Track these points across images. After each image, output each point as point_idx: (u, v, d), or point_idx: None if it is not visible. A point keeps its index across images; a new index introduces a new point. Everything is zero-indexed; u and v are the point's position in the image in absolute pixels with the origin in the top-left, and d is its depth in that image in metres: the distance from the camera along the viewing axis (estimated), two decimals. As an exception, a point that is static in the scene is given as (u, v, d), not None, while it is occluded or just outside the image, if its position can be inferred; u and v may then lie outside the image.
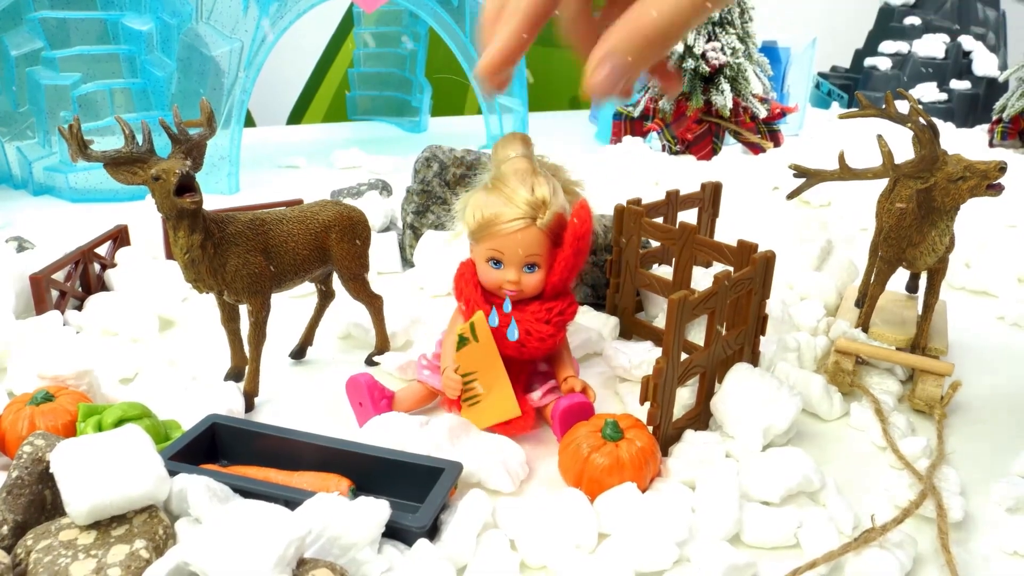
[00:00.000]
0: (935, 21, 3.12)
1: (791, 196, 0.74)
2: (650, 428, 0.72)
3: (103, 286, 1.11)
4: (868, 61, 3.13)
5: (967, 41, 3.03)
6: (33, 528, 0.56)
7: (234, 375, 0.86)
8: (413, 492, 0.66)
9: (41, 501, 0.59)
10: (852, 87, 3.20)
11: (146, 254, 1.17)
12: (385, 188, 1.55)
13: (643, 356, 0.88)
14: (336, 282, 0.91)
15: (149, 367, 0.90)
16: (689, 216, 1.01)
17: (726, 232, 1.07)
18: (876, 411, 0.80)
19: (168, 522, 0.57)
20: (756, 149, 2.15)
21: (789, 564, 0.61)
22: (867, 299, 0.92)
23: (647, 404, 0.72)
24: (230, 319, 0.84)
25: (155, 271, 1.11)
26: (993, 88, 2.91)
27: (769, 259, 0.81)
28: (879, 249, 0.87)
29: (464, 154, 1.20)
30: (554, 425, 0.76)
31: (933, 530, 0.64)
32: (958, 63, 3.01)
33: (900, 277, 0.99)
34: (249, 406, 0.82)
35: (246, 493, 0.63)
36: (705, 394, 0.79)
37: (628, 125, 2.24)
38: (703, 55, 2.05)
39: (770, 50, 2.46)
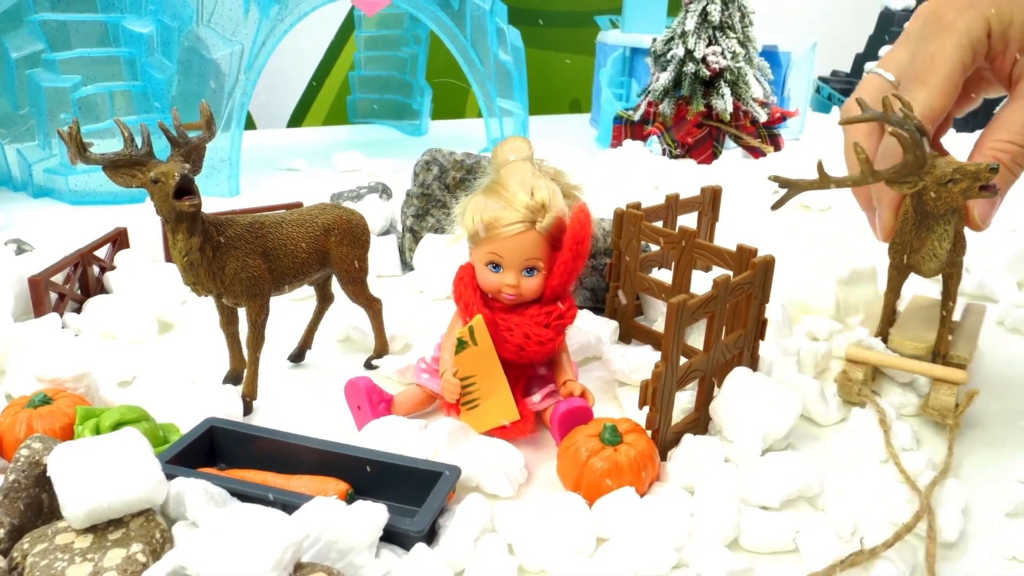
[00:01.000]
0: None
1: (775, 207, 0.73)
2: (649, 432, 0.72)
3: (102, 289, 1.11)
4: (868, 65, 3.12)
5: (967, 46, 3.04)
6: (30, 532, 0.56)
7: (233, 378, 0.86)
8: (412, 496, 0.66)
9: (38, 505, 0.59)
10: (853, 91, 3.20)
11: (145, 257, 1.17)
12: (385, 191, 1.54)
13: (642, 360, 0.87)
14: (335, 285, 0.91)
15: (148, 370, 0.90)
16: (689, 220, 1.01)
17: (726, 236, 1.07)
18: (880, 421, 0.79)
19: (165, 526, 0.57)
20: (756, 153, 2.14)
21: (787, 569, 0.61)
22: (883, 307, 0.89)
23: (646, 408, 0.72)
24: (229, 322, 0.84)
25: (154, 274, 1.10)
26: (993, 93, 2.91)
27: (768, 263, 0.81)
28: (888, 255, 0.85)
29: (464, 157, 1.20)
30: (553, 429, 0.76)
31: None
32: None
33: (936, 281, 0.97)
34: (247, 409, 0.82)
35: (244, 497, 0.63)
36: (704, 398, 0.78)
37: (628, 129, 2.24)
38: (703, 59, 2.05)
39: (771, 54, 2.46)
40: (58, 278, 1.01)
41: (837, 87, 3.26)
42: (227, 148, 1.73)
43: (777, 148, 2.16)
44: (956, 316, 0.90)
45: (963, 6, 0.73)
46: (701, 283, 0.98)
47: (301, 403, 0.86)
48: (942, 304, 0.84)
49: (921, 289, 0.95)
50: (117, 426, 0.69)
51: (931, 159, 0.70)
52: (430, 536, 0.62)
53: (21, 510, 0.57)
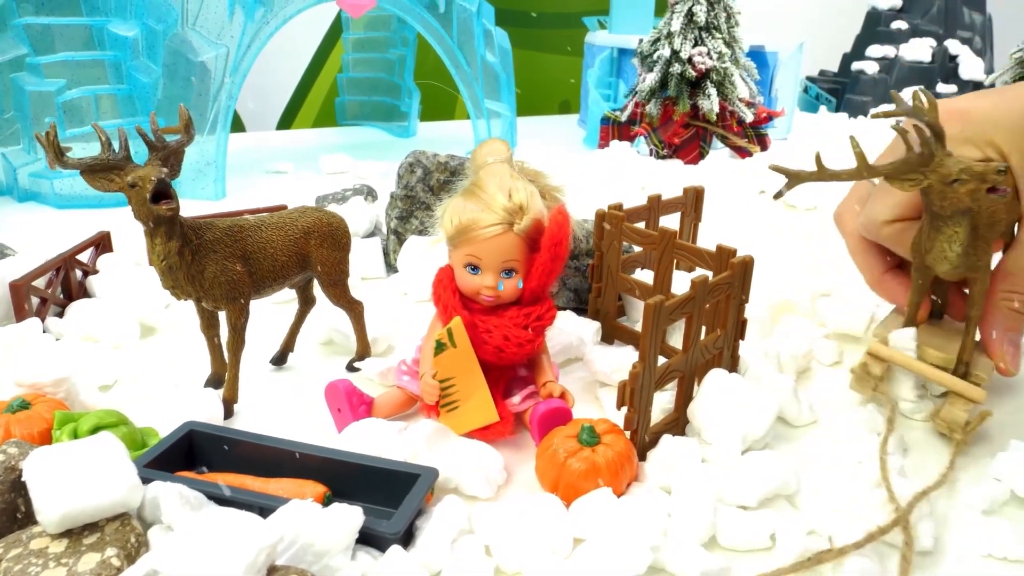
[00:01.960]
0: (922, 25, 3.13)
1: (777, 196, 0.72)
2: (628, 433, 0.72)
3: (85, 293, 1.10)
4: (855, 65, 3.14)
5: (953, 45, 3.05)
6: (4, 537, 0.56)
7: (214, 382, 0.86)
8: (391, 499, 0.66)
9: (13, 510, 0.59)
10: (840, 91, 3.22)
11: (129, 260, 1.17)
12: (370, 193, 1.54)
13: (623, 361, 0.88)
14: (317, 288, 0.91)
15: (129, 374, 0.90)
16: (673, 221, 1.02)
17: (711, 237, 1.07)
18: (888, 420, 0.77)
19: (141, 530, 0.57)
20: (744, 153, 2.15)
21: (764, 568, 0.61)
22: (908, 307, 0.85)
23: (624, 408, 0.73)
24: (209, 326, 0.84)
25: (138, 277, 1.10)
26: (980, 92, 2.92)
27: (747, 264, 0.81)
28: (910, 255, 0.81)
29: (448, 159, 1.20)
30: (532, 430, 0.76)
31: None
32: (944, 67, 3.03)
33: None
34: (228, 413, 0.82)
35: (221, 500, 0.63)
36: (684, 399, 0.79)
37: (616, 130, 2.24)
38: (690, 59, 2.06)
39: (758, 54, 2.47)
40: (40, 282, 1.00)
41: (824, 87, 3.28)
42: (213, 151, 1.73)
43: (764, 148, 2.17)
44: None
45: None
46: (683, 284, 0.98)
47: (283, 406, 0.86)
48: (968, 310, 0.80)
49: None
50: (95, 430, 0.69)
51: (940, 157, 0.67)
52: (407, 538, 0.62)
53: (-4, 515, 0.58)
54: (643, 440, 0.74)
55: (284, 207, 1.21)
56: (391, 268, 1.26)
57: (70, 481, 0.55)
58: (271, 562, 0.53)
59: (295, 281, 0.87)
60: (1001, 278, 0.79)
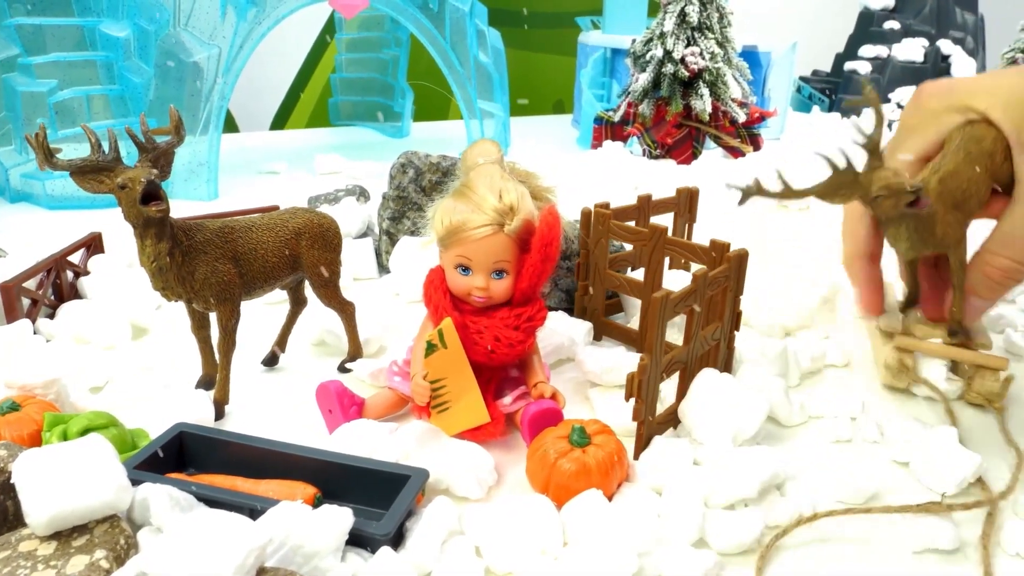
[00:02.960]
0: (914, 25, 3.14)
1: (740, 203, 0.74)
2: (635, 425, 0.74)
3: (76, 294, 1.10)
4: (848, 65, 3.15)
5: (946, 45, 3.06)
6: (-7, 539, 0.56)
7: (205, 383, 0.86)
8: (381, 500, 0.66)
9: (3, 512, 0.59)
10: (833, 91, 3.22)
11: (120, 262, 1.17)
12: (363, 194, 1.54)
13: (615, 361, 0.88)
14: (308, 289, 0.91)
15: (120, 376, 0.90)
16: (666, 221, 1.02)
17: (704, 236, 1.07)
18: (948, 411, 0.84)
19: (130, 532, 0.57)
20: (736, 153, 2.16)
21: (754, 567, 0.62)
22: (906, 286, 0.92)
23: (621, 407, 0.73)
24: (200, 327, 0.84)
25: (129, 279, 1.10)
26: (972, 92, 2.93)
27: (742, 256, 0.82)
28: None
29: (440, 160, 1.20)
30: (523, 431, 0.77)
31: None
32: (937, 67, 3.04)
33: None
34: (219, 414, 0.82)
35: (211, 502, 0.63)
36: (684, 389, 0.80)
37: (609, 130, 2.24)
38: (682, 60, 2.06)
39: (750, 54, 2.47)
40: (31, 284, 1.00)
41: (817, 86, 3.28)
42: (205, 151, 1.72)
43: (757, 148, 2.18)
44: None
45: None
46: (672, 282, 0.99)
47: (274, 407, 0.86)
48: (952, 280, 0.83)
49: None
50: (85, 432, 0.68)
51: (865, 176, 0.71)
52: (397, 539, 0.62)
53: (-15, 518, 0.57)
54: (651, 430, 0.75)
55: (276, 208, 1.21)
56: (383, 269, 1.26)
57: (59, 483, 0.55)
58: (260, 563, 0.53)
59: (286, 282, 0.87)
60: (991, 238, 0.79)
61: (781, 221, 1.63)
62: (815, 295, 1.08)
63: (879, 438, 0.80)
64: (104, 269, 1.13)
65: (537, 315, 0.78)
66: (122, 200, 0.71)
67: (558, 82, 3.33)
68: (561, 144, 2.53)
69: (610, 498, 0.68)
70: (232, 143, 2.41)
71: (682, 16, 2.06)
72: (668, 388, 0.81)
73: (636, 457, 0.74)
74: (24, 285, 0.98)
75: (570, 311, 1.05)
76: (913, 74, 3.03)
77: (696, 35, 2.08)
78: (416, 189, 1.20)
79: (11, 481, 0.57)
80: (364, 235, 1.37)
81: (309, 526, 0.57)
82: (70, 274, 1.10)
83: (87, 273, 1.13)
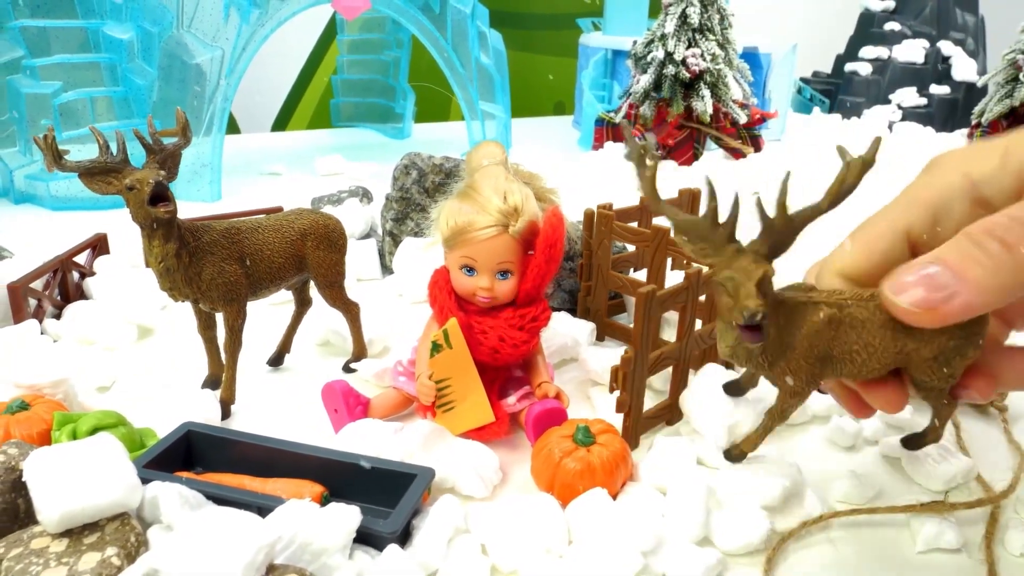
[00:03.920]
0: (915, 27, 3.15)
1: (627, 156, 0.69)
2: (621, 416, 0.74)
3: (82, 294, 1.11)
4: (849, 66, 3.15)
5: (946, 46, 3.06)
6: (5, 536, 0.57)
7: (211, 383, 0.87)
8: (388, 498, 0.67)
9: (14, 510, 0.59)
10: (834, 92, 3.23)
11: (125, 262, 1.17)
12: (366, 195, 1.55)
13: (616, 360, 0.88)
14: (313, 290, 0.92)
15: (126, 375, 0.91)
16: (668, 222, 1.02)
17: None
18: (1001, 412, 0.85)
19: (140, 529, 0.58)
20: (737, 154, 2.16)
21: (760, 566, 0.62)
22: None
23: (618, 406, 0.74)
24: (207, 327, 0.85)
25: (134, 279, 1.11)
26: (972, 93, 2.93)
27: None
28: None
29: (443, 161, 1.20)
30: (527, 430, 0.77)
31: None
32: (937, 68, 3.04)
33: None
34: (225, 414, 0.83)
35: (219, 500, 0.63)
36: (678, 386, 0.81)
37: (610, 131, 2.25)
38: (683, 61, 2.07)
39: (751, 56, 2.48)
40: (38, 284, 1.01)
41: (818, 88, 3.29)
42: (209, 153, 1.73)
43: (757, 149, 2.18)
44: None
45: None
46: (673, 282, 0.99)
47: (280, 407, 0.86)
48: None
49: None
50: (94, 431, 0.69)
51: (731, 254, 0.58)
52: (404, 537, 0.62)
53: (-3, 516, 0.58)
54: (637, 424, 0.76)
55: (280, 209, 1.22)
56: (387, 270, 1.27)
57: (70, 481, 0.56)
58: (269, 561, 0.53)
59: (292, 283, 0.87)
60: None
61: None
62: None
63: (881, 438, 0.81)
64: (110, 270, 1.14)
65: (541, 315, 0.79)
66: (130, 201, 0.72)
67: (560, 83, 3.34)
68: (562, 145, 2.53)
69: (614, 497, 0.68)
70: (233, 144, 2.42)
71: (683, 18, 2.07)
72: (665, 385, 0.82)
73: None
74: (31, 286, 0.99)
75: (573, 311, 1.06)
76: (913, 75, 3.04)
77: (697, 37, 2.09)
78: (419, 190, 1.21)
79: (23, 479, 0.58)
80: (367, 236, 1.37)
81: (317, 524, 0.58)
82: (76, 275, 1.10)
83: (93, 274, 1.13)
